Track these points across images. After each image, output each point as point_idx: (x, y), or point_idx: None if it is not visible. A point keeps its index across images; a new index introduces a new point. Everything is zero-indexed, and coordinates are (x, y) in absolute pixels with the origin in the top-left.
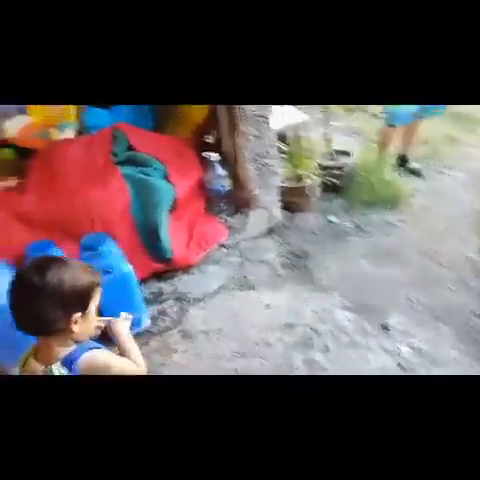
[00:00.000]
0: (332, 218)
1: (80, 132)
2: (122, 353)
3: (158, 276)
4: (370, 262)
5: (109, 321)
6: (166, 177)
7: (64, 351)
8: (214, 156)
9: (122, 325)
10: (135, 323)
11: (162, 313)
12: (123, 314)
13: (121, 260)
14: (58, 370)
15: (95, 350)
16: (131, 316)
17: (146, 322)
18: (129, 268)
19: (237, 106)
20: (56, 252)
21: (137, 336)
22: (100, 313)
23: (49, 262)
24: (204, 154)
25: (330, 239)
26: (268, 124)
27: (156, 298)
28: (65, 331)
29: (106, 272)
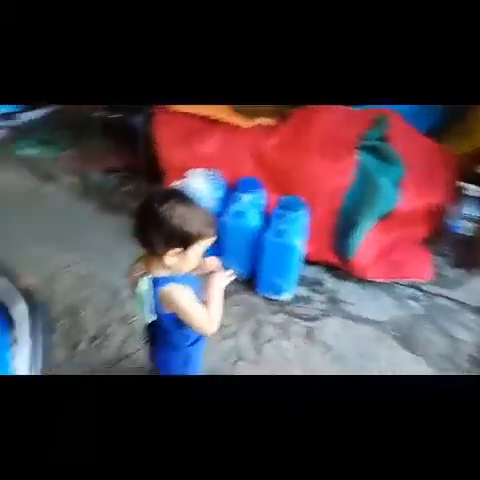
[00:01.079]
0: None
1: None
2: (206, 305)
3: (332, 268)
4: None
5: (213, 269)
6: (398, 183)
7: (159, 271)
8: (474, 190)
9: (219, 279)
10: (278, 289)
11: (306, 300)
12: (230, 271)
13: (299, 232)
14: (147, 283)
15: (177, 285)
16: (235, 276)
17: (287, 296)
18: (299, 243)
19: None
20: (259, 194)
21: (272, 302)
22: (247, 267)
23: (173, 196)
24: (463, 183)
25: None
26: None
27: (313, 284)
28: (161, 257)
29: (278, 236)
